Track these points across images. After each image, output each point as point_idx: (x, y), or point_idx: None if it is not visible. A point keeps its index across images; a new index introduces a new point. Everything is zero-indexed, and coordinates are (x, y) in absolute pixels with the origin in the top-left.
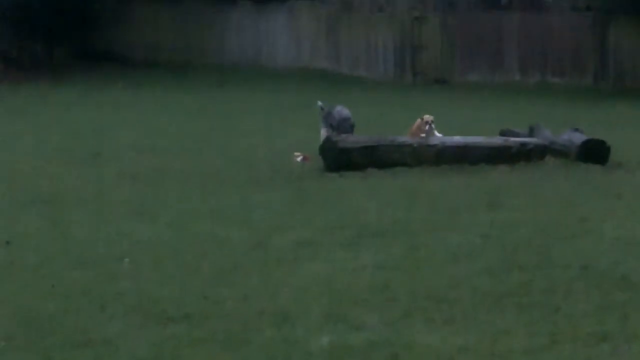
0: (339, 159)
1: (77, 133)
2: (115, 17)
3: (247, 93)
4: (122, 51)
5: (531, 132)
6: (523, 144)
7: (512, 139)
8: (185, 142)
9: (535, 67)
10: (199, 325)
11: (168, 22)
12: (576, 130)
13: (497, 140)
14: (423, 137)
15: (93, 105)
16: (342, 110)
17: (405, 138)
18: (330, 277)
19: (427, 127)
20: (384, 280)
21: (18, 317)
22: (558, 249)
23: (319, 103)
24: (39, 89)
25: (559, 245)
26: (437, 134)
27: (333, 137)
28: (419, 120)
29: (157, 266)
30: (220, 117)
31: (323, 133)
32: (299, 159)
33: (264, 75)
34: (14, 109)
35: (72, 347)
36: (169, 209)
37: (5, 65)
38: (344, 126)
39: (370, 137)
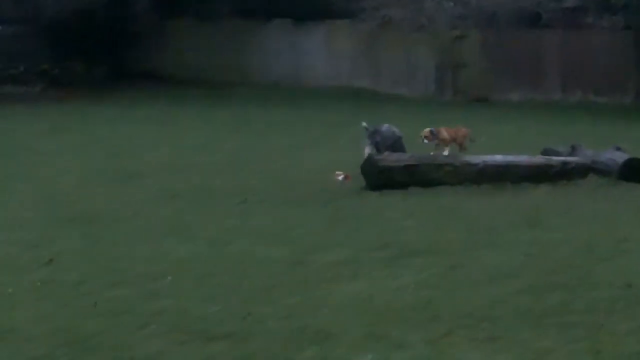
0: (380, 177)
1: (117, 151)
2: (154, 35)
3: (286, 111)
4: (160, 70)
5: (573, 151)
6: (565, 163)
7: (554, 157)
8: (224, 160)
9: (576, 86)
10: (240, 343)
11: (206, 41)
12: (618, 149)
13: (539, 159)
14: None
15: (132, 124)
16: (390, 129)
17: (447, 157)
18: (370, 295)
19: (423, 141)
20: (425, 298)
21: (59, 336)
22: (599, 268)
23: (363, 123)
24: (79, 107)
25: (600, 264)
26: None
27: (374, 156)
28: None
29: (198, 284)
30: (259, 135)
31: (367, 151)
32: (340, 177)
33: (302, 93)
34: (53, 127)
35: None
36: (208, 227)
37: (46, 84)
38: (398, 144)
39: (412, 156)
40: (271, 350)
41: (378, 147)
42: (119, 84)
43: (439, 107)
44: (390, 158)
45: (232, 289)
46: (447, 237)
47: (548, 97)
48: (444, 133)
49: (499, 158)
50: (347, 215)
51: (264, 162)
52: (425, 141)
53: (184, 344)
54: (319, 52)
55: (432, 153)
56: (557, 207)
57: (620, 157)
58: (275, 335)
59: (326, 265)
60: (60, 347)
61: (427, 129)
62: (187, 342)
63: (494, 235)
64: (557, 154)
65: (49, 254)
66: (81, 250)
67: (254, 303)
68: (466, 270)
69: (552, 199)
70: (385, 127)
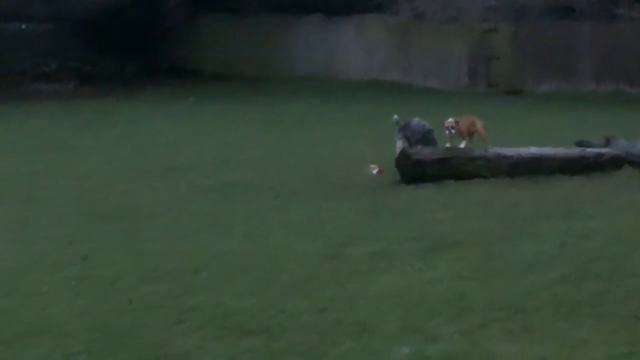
0: (414, 171)
1: (150, 147)
2: (185, 31)
3: (319, 105)
4: (192, 65)
5: (607, 143)
6: (599, 155)
7: (588, 149)
8: (257, 154)
9: (609, 77)
10: (276, 337)
11: (238, 36)
12: None
13: (573, 151)
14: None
15: (165, 119)
16: (420, 122)
17: (481, 150)
18: (406, 288)
19: (447, 132)
20: (460, 290)
21: (95, 331)
22: (635, 258)
23: (395, 117)
24: (112, 103)
25: (635, 254)
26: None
27: (408, 149)
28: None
29: (233, 279)
30: (291, 130)
31: (399, 145)
32: (374, 171)
33: (335, 87)
34: (87, 123)
35: None
36: (243, 222)
37: (79, 81)
38: (429, 137)
39: (445, 149)
40: (307, 345)
41: (409, 141)
42: (150, 80)
43: (471, 100)
44: (424, 151)
45: (268, 283)
46: (482, 228)
47: (581, 88)
48: (463, 125)
49: (533, 150)
50: (381, 208)
51: (298, 156)
52: (453, 132)
53: (220, 339)
54: (351, 45)
55: (447, 145)
56: (592, 198)
57: None
58: (311, 329)
59: (361, 258)
60: (96, 342)
61: (452, 119)
62: (223, 337)
63: (529, 226)
64: (591, 145)
65: (85, 250)
66: (116, 245)
67: (290, 297)
68: (501, 262)
69: (587, 190)
70: (415, 121)
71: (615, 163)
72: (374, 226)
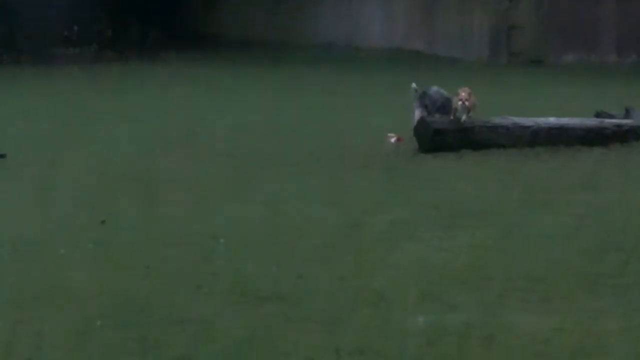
0: (433, 140)
1: (172, 113)
2: None
3: (341, 73)
4: (215, 31)
5: (627, 114)
6: (618, 126)
7: (608, 120)
8: (279, 122)
9: (632, 48)
10: (294, 305)
11: (261, 2)
12: None
13: (592, 122)
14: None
15: (186, 85)
16: (439, 91)
17: (501, 119)
18: (425, 257)
19: (459, 103)
20: (480, 260)
21: (113, 297)
22: None
23: (413, 85)
24: (134, 69)
25: None
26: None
27: (427, 118)
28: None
29: (252, 246)
30: (313, 97)
31: (417, 114)
32: (392, 140)
33: (357, 55)
34: (108, 89)
35: (168, 326)
36: (264, 189)
37: (100, 46)
38: (448, 106)
39: (466, 120)
40: (325, 312)
41: (428, 110)
42: (173, 45)
43: (494, 70)
44: (444, 120)
45: (287, 251)
46: (502, 198)
47: (603, 60)
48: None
49: (552, 120)
50: (401, 177)
51: (319, 125)
52: (467, 103)
53: (238, 306)
54: (375, 14)
55: (463, 117)
56: (612, 169)
57: None
58: (330, 297)
59: (381, 227)
60: (115, 307)
61: (468, 89)
62: (241, 304)
63: (549, 197)
64: (611, 116)
65: (104, 215)
66: (136, 211)
67: (309, 265)
68: (521, 232)
69: (607, 161)
70: (433, 89)
71: (636, 134)
72: (394, 195)
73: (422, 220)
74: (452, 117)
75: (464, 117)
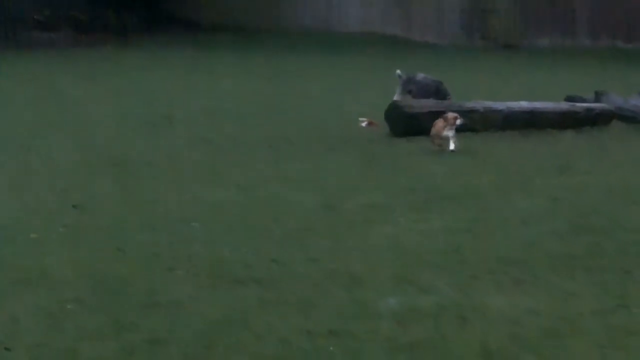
0: (407, 124)
1: (148, 97)
2: None
3: (317, 58)
4: (191, 16)
5: (597, 98)
6: (589, 109)
7: (579, 104)
8: (255, 106)
9: (605, 32)
10: (268, 288)
11: None
12: None
13: (564, 106)
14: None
15: (164, 70)
16: (426, 78)
17: (473, 103)
18: (400, 240)
19: (458, 121)
20: (454, 243)
21: (88, 280)
22: (628, 212)
23: (398, 71)
24: (110, 54)
25: (628, 209)
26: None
27: (400, 102)
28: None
29: (227, 229)
30: (290, 82)
31: (396, 98)
32: (364, 124)
33: (333, 40)
34: (85, 74)
35: (142, 309)
36: (239, 173)
37: (77, 31)
38: (442, 90)
39: (438, 103)
40: (300, 295)
41: (413, 96)
42: (149, 29)
43: (468, 54)
44: (417, 105)
45: (262, 234)
46: (476, 182)
47: (577, 43)
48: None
49: (524, 104)
50: (377, 161)
51: (295, 109)
52: (459, 122)
53: (213, 289)
54: None
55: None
56: (585, 152)
57: None
58: (304, 280)
59: (356, 210)
60: (89, 290)
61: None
62: (216, 287)
63: (523, 180)
64: (582, 100)
65: (79, 199)
66: (111, 194)
67: (284, 248)
68: (495, 215)
69: (579, 144)
70: (420, 76)
71: (606, 118)
72: (370, 179)
73: (396, 203)
74: (437, 145)
75: (452, 146)
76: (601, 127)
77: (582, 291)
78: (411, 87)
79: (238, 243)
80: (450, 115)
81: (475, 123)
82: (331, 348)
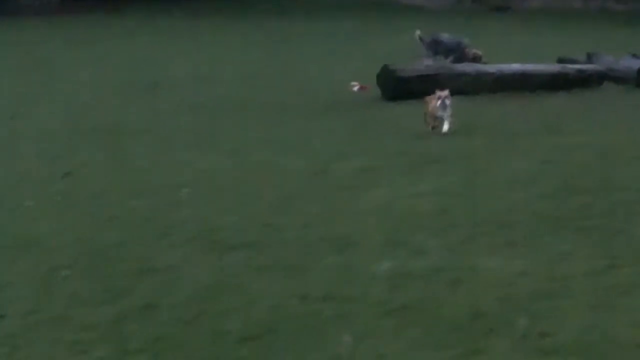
0: (398, 88)
1: (136, 63)
2: None
3: (306, 22)
4: None
5: (589, 59)
6: (580, 71)
7: (570, 65)
8: (243, 71)
9: None
10: (260, 252)
11: None
12: (634, 56)
13: (555, 67)
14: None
15: (151, 36)
16: (452, 38)
17: (464, 66)
18: (391, 203)
19: (439, 102)
20: (445, 205)
21: (79, 247)
22: (618, 173)
23: (417, 32)
24: (96, 20)
25: (618, 169)
26: (447, 113)
27: (390, 66)
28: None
29: (218, 195)
30: (277, 47)
31: (427, 63)
32: (355, 88)
33: (322, 4)
34: (71, 41)
35: (134, 275)
36: (229, 138)
37: None
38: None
39: (429, 66)
40: (290, 260)
41: (438, 55)
42: None
43: (458, 17)
44: (408, 68)
45: (252, 199)
46: (467, 144)
47: (568, 5)
48: None
49: (515, 67)
50: (367, 124)
51: (285, 74)
52: (447, 102)
53: (204, 254)
54: None
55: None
56: (575, 114)
57: (637, 64)
58: (295, 244)
59: (346, 174)
60: (82, 257)
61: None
62: (207, 252)
63: (513, 141)
64: (573, 62)
65: (69, 166)
66: (102, 162)
67: (274, 213)
68: (486, 177)
69: (570, 106)
70: (445, 36)
71: (597, 79)
72: (360, 143)
73: (387, 166)
74: (430, 126)
75: (445, 127)
76: (593, 88)
77: (573, 252)
78: (437, 48)
79: (229, 208)
80: (443, 94)
81: (466, 86)
82: (325, 313)
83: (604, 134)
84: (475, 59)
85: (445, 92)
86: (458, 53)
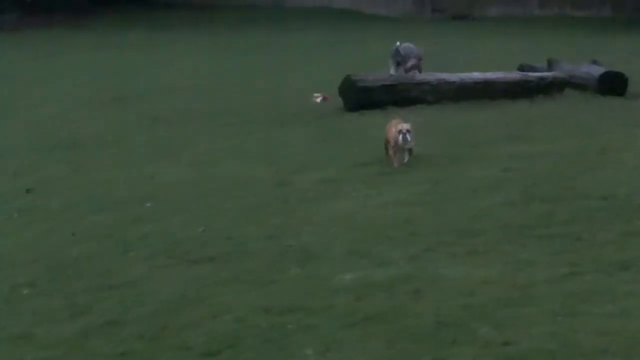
0: (360, 98)
1: (98, 77)
2: None
3: (268, 33)
4: None
5: (550, 66)
6: (542, 78)
7: (531, 73)
8: (207, 82)
9: (554, 1)
10: (223, 265)
11: None
12: (594, 62)
13: (516, 75)
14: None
15: (114, 49)
16: (409, 46)
17: (425, 75)
18: (353, 214)
19: (400, 136)
20: (407, 215)
21: (42, 263)
22: (579, 180)
23: (397, 43)
24: (58, 34)
25: (579, 176)
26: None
27: (352, 76)
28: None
29: (181, 208)
30: (242, 57)
31: (392, 72)
32: (318, 99)
33: (284, 15)
34: (34, 55)
35: (97, 291)
36: (192, 150)
37: (24, 12)
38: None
39: (390, 75)
40: (254, 272)
41: (399, 65)
42: (98, 9)
43: (418, 26)
44: (369, 78)
45: (216, 212)
46: (428, 153)
47: (527, 12)
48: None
49: (476, 75)
50: (329, 135)
51: (247, 85)
52: (408, 137)
53: (168, 268)
54: None
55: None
56: (536, 121)
57: (597, 71)
58: (259, 257)
59: (309, 185)
60: (43, 274)
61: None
62: (171, 266)
63: (475, 150)
64: (534, 69)
65: (31, 181)
66: (64, 177)
67: (238, 225)
68: (448, 186)
69: (531, 113)
70: (403, 46)
71: (558, 86)
72: (322, 153)
73: (350, 177)
74: (392, 159)
75: (406, 158)
76: (554, 95)
77: (535, 259)
78: (398, 59)
79: (192, 221)
80: (404, 127)
81: (427, 95)
82: (289, 326)
83: (565, 141)
84: (413, 69)
85: (407, 126)
86: (404, 63)
